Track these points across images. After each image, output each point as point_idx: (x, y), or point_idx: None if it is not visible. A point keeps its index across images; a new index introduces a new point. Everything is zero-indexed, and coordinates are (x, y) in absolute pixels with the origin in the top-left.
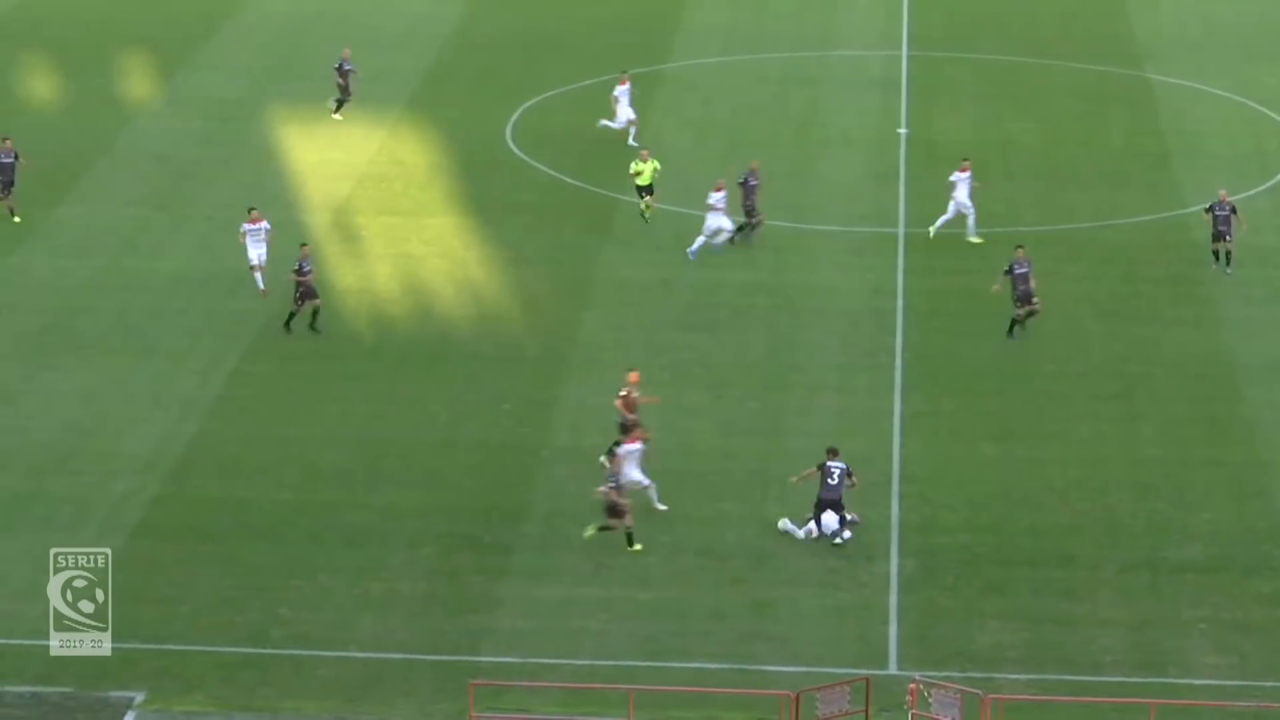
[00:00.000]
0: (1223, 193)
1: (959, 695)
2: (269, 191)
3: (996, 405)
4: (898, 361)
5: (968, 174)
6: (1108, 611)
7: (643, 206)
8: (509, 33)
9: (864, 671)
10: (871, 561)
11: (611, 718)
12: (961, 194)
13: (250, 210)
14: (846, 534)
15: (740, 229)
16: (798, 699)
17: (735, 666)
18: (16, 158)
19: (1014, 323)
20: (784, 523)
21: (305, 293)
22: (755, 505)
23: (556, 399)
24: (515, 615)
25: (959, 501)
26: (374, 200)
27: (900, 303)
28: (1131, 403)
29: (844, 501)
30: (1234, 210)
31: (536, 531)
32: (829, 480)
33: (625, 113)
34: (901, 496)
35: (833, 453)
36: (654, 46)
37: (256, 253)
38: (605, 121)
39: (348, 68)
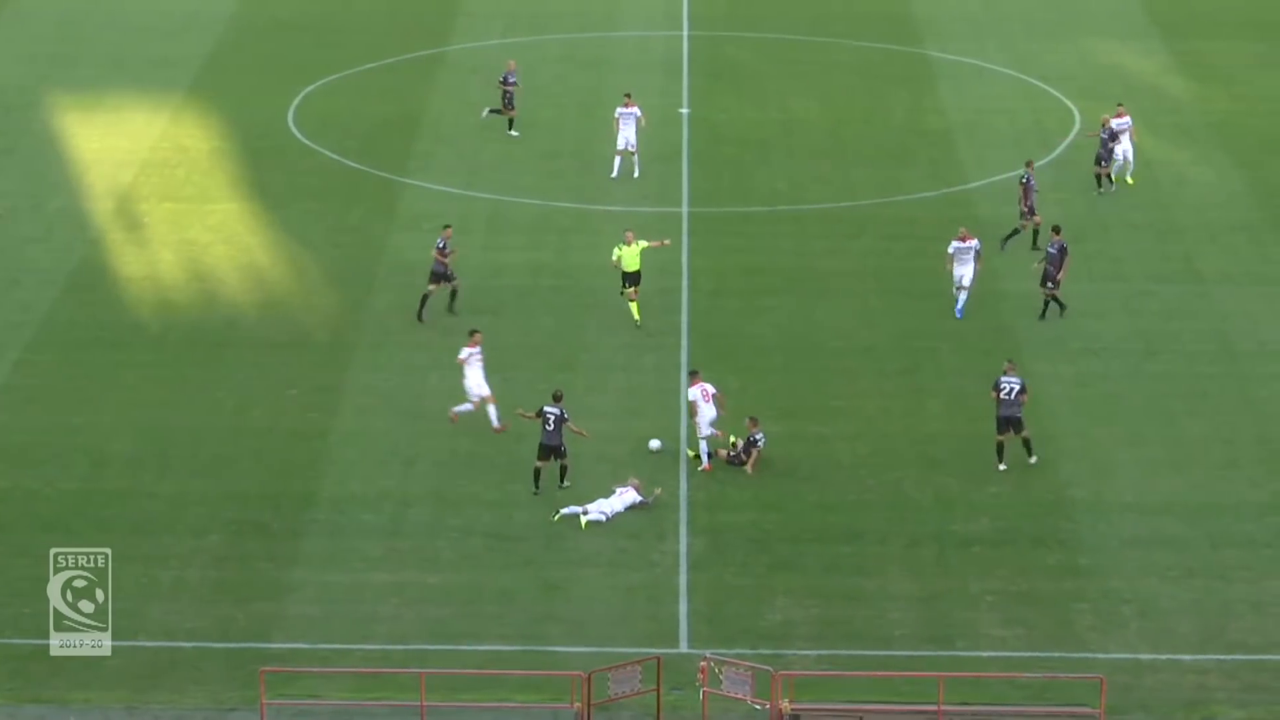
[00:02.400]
0: (1105, 116)
1: (750, 672)
2: (52, 179)
3: (782, 382)
4: (684, 340)
5: (1127, 119)
6: (896, 586)
7: (628, 300)
8: (289, 16)
9: (655, 651)
10: (661, 540)
11: (403, 702)
12: (1125, 141)
13: (472, 333)
14: (594, 515)
15: (1015, 233)
16: (589, 679)
17: (527, 648)
18: None
19: (1046, 303)
20: (569, 510)
21: (439, 274)
22: (544, 487)
23: (343, 383)
24: (305, 601)
25: (747, 479)
26: (157, 187)
27: (685, 282)
28: (917, 378)
29: (564, 448)
30: (1113, 136)
31: (325, 517)
32: (546, 426)
33: (625, 138)
34: (689, 475)
35: (556, 398)
36: (436, 29)
37: (476, 380)
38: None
39: (511, 80)
